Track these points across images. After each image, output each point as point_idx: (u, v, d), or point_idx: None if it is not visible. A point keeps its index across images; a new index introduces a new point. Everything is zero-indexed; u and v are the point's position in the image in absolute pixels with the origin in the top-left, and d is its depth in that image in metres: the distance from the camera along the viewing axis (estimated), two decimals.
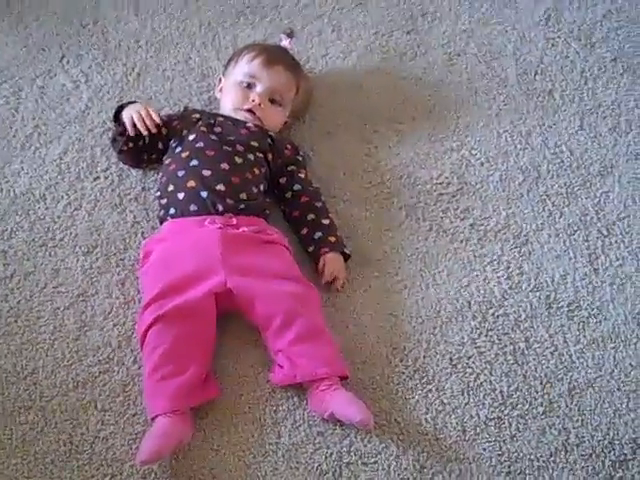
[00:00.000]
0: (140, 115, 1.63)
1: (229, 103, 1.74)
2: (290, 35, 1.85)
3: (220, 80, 1.81)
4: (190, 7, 2.01)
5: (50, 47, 1.92)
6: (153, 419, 1.41)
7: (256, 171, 1.65)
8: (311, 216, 1.66)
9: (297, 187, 1.69)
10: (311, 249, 1.64)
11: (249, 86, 1.73)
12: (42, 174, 1.74)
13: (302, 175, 1.72)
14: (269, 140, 1.71)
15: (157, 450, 1.34)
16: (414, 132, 1.85)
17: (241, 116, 1.72)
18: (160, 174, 1.69)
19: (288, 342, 1.47)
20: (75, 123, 1.81)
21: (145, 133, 1.64)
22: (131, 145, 1.68)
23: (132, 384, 1.50)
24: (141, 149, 1.69)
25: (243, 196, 1.60)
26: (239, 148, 1.65)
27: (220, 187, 1.59)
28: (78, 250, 1.65)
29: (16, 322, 1.55)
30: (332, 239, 1.64)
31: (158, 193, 1.66)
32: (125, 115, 1.65)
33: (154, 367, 1.43)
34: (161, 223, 1.63)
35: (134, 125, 1.63)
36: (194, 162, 1.62)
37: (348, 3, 2.04)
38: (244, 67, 1.75)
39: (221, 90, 1.80)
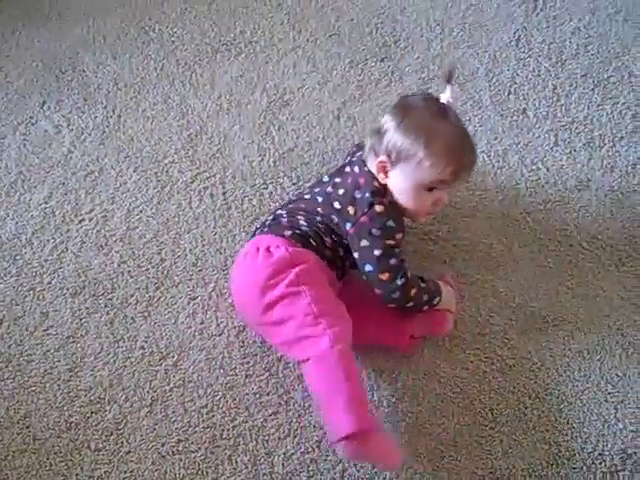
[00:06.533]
0: None
1: (411, 206, 1.55)
2: (449, 79, 1.53)
3: (384, 165, 1.53)
4: (167, 47, 2.04)
5: (31, 94, 1.94)
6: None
7: None
8: None
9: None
10: None
11: (430, 189, 1.53)
12: (28, 219, 1.76)
13: None
14: None
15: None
16: None
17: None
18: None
19: None
20: (58, 167, 1.83)
21: None
22: None
23: (125, 422, 1.51)
24: None
25: None
26: None
27: None
28: (66, 292, 1.66)
29: (7, 367, 1.57)
30: None
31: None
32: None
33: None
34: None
35: None
36: None
37: (321, 35, 2.07)
38: (433, 173, 1.49)
39: (386, 173, 1.54)
